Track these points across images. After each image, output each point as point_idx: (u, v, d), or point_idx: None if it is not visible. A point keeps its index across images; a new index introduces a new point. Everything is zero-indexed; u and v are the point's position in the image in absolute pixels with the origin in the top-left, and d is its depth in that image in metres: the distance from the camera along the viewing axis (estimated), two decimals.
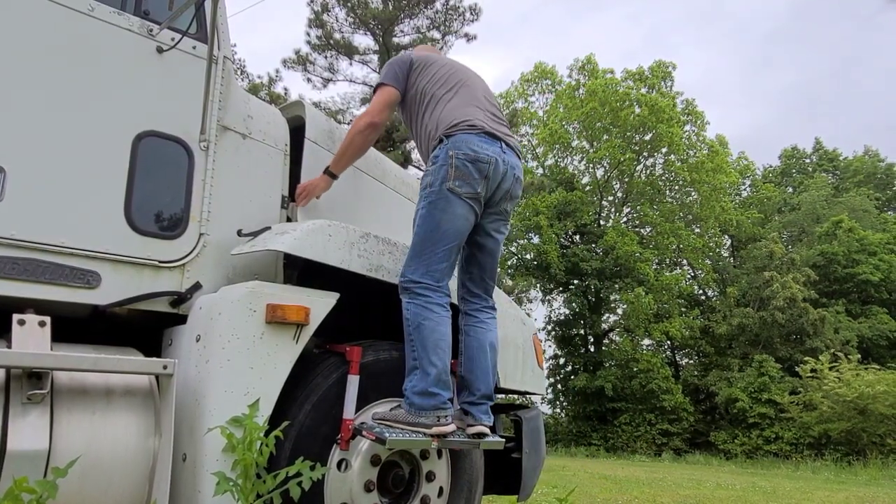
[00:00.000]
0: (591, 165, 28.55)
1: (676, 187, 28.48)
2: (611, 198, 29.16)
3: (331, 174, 2.63)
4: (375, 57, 17.96)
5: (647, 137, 26.28)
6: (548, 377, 26.25)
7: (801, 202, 30.60)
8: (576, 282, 26.51)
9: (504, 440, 2.52)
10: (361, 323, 2.83)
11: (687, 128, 27.36)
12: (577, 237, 27.94)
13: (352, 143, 2.60)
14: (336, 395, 2.28)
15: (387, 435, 2.14)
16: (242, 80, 17.30)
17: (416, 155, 15.17)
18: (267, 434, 1.98)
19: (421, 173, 3.07)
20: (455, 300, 2.60)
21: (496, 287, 2.74)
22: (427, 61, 2.73)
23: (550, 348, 27.81)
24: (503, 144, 2.51)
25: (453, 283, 2.61)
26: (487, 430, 2.42)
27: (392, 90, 2.66)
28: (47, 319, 1.91)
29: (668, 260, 29.06)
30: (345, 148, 2.61)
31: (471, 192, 2.39)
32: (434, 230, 2.38)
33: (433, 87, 2.64)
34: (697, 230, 28.55)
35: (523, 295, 24.18)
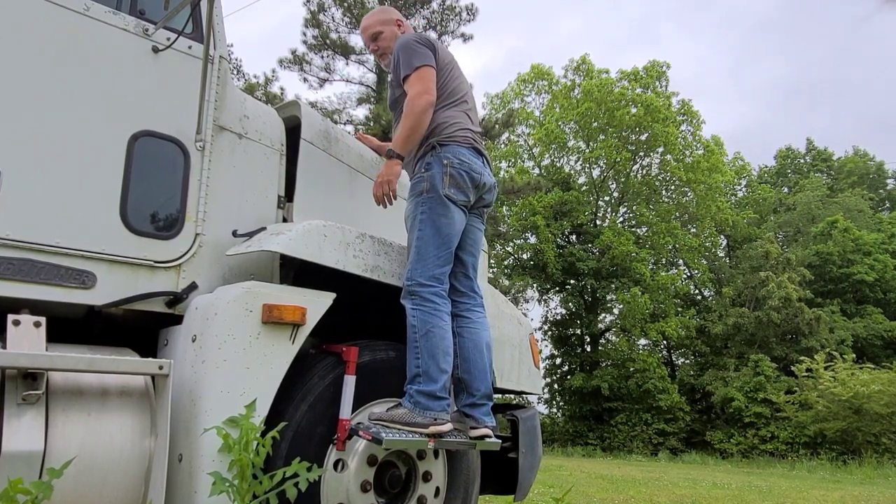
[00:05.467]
0: (587, 165, 28.58)
1: (672, 187, 28.53)
2: (607, 198, 29.20)
3: (399, 157, 2.54)
4: (371, 57, 17.95)
5: (643, 137, 26.32)
6: (544, 377, 26.26)
7: (797, 202, 30.69)
8: (572, 282, 26.54)
9: (501, 440, 2.52)
10: (358, 323, 2.83)
11: (683, 127, 27.41)
12: (574, 237, 27.97)
13: (419, 123, 2.50)
14: (332, 395, 2.28)
15: (383, 435, 2.15)
16: (238, 79, 17.27)
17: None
18: (263, 434, 1.98)
19: None
20: None
21: (494, 288, 2.74)
22: (449, 61, 2.72)
23: (547, 348, 27.86)
24: (484, 159, 2.66)
25: None
26: (491, 433, 2.42)
27: (435, 71, 2.60)
28: (42, 320, 1.91)
29: (664, 260, 29.10)
30: (412, 129, 2.49)
31: (464, 200, 2.52)
32: (436, 234, 2.43)
33: (445, 91, 2.64)
34: (693, 230, 28.61)
35: (520, 295, 24.17)
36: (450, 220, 2.47)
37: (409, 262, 2.47)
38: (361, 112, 18.11)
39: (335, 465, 2.26)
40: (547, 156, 29.24)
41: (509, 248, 27.56)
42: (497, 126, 17.72)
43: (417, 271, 2.40)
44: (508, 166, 28.42)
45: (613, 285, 25.45)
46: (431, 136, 2.56)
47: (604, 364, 25.07)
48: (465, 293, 2.63)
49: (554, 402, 27.33)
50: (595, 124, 26.87)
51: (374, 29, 2.89)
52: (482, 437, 2.40)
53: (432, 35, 2.81)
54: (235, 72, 17.55)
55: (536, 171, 28.73)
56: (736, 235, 29.98)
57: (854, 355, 19.42)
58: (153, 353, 2.33)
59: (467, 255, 2.66)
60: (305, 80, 17.81)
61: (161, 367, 1.94)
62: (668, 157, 27.05)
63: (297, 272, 2.54)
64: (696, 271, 29.35)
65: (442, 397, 2.30)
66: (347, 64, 17.98)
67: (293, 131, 2.73)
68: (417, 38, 2.65)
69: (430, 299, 2.38)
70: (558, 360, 27.61)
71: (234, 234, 2.43)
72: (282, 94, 17.06)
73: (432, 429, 2.23)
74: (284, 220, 2.64)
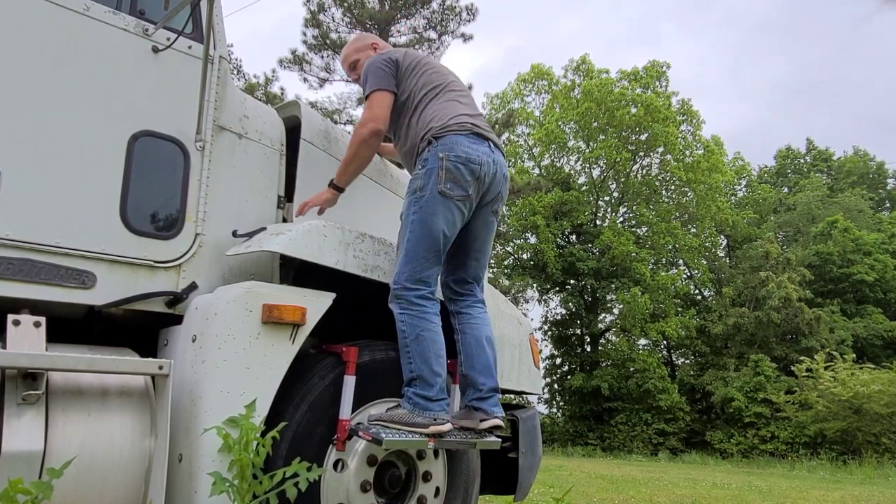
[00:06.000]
0: (587, 165, 28.59)
1: (672, 187, 28.54)
2: (607, 198, 29.21)
3: (336, 187, 2.57)
4: None
5: (643, 137, 26.33)
6: (544, 377, 26.23)
7: (797, 202, 30.70)
8: (572, 282, 26.54)
9: (501, 440, 2.51)
10: (359, 323, 2.83)
11: (683, 127, 27.42)
12: (574, 237, 27.98)
13: (357, 154, 2.52)
14: (332, 395, 2.28)
15: (383, 435, 2.14)
16: (239, 79, 17.29)
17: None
18: (263, 434, 1.98)
19: None
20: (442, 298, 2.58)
21: (494, 288, 2.72)
22: (416, 62, 2.65)
23: (547, 348, 27.85)
24: (490, 144, 2.50)
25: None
26: (501, 423, 2.38)
27: (389, 94, 2.56)
28: (42, 320, 1.91)
29: (664, 260, 29.11)
30: (350, 159, 2.54)
31: (462, 195, 2.38)
32: (426, 236, 2.35)
33: (423, 89, 2.57)
34: (693, 230, 28.62)
35: (520, 295, 24.19)
36: (441, 218, 2.35)
37: (396, 263, 2.41)
38: (361, 112, 18.11)
39: (335, 465, 2.26)
40: (547, 156, 29.25)
41: (509, 248, 27.57)
42: (497, 126, 17.73)
43: (404, 274, 2.34)
44: (508, 166, 28.36)
45: (613, 285, 25.46)
46: (425, 132, 2.47)
47: (604, 364, 25.07)
48: (465, 293, 2.57)
49: (554, 402, 27.34)
50: (595, 124, 26.87)
51: (351, 59, 2.90)
52: (493, 428, 2.36)
53: (397, 48, 2.68)
54: (235, 72, 17.56)
55: (536, 171, 28.74)
56: (736, 235, 29.99)
57: (854, 355, 19.41)
58: (153, 353, 2.33)
59: (472, 260, 2.56)
60: (305, 80, 17.82)
61: (161, 367, 1.94)
62: (668, 157, 27.06)
63: (297, 272, 2.54)
64: (696, 271, 29.36)
65: (440, 398, 2.29)
66: None
67: (293, 131, 2.73)
68: (378, 58, 2.61)
69: (416, 303, 2.32)
70: (558, 360, 27.61)
71: (234, 234, 2.43)
72: (282, 94, 17.10)
73: (432, 429, 2.23)
74: (284, 220, 2.64)
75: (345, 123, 17.42)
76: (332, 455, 2.25)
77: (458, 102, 2.57)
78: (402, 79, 2.60)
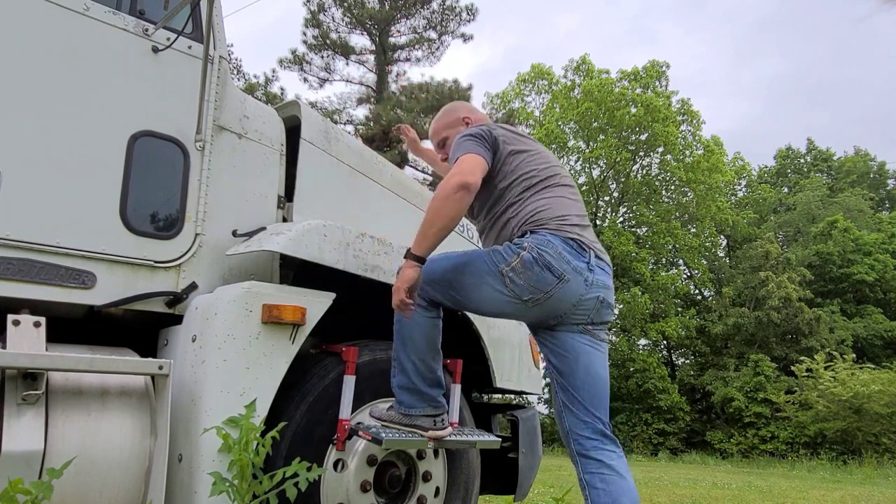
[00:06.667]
0: (587, 165, 28.60)
1: (672, 187, 28.56)
2: (607, 198, 29.22)
3: (416, 258, 2.03)
4: (372, 57, 17.98)
5: (643, 137, 26.35)
6: (544, 377, 26.18)
7: (797, 202, 30.73)
8: None
9: (501, 440, 2.51)
10: (359, 322, 2.83)
11: (683, 127, 27.45)
12: None
13: (440, 212, 1.99)
14: (332, 395, 2.28)
15: (383, 435, 2.14)
16: (239, 79, 17.29)
17: (412, 154, 15.13)
18: (263, 434, 1.98)
19: (417, 173, 3.04)
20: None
21: None
22: (518, 142, 2.29)
23: None
24: (592, 256, 2.10)
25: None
26: None
27: (483, 160, 2.13)
28: (42, 320, 1.91)
29: (664, 260, 29.13)
30: (431, 221, 2.00)
31: (512, 294, 2.05)
32: (454, 269, 2.14)
33: (527, 176, 2.22)
34: (693, 230, 28.63)
35: None
36: (479, 285, 2.09)
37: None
38: (361, 112, 18.14)
39: (335, 465, 2.26)
40: None
41: None
42: None
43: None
44: None
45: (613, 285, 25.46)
46: (521, 224, 2.15)
47: None
48: (590, 437, 2.08)
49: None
50: (595, 124, 26.89)
51: (440, 136, 2.59)
52: None
53: (495, 124, 2.41)
54: (235, 72, 17.57)
55: None
56: (736, 235, 30.00)
57: (854, 355, 19.45)
58: (153, 353, 2.33)
59: (577, 390, 2.10)
60: (305, 80, 17.88)
61: (161, 367, 1.94)
62: (668, 157, 27.08)
63: (297, 272, 2.54)
64: (696, 271, 29.36)
65: (420, 392, 2.18)
66: (347, 64, 18.02)
67: (293, 131, 2.73)
68: (471, 130, 2.25)
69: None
70: None
71: (234, 234, 2.43)
72: (282, 94, 17.12)
73: (432, 433, 2.21)
74: (284, 220, 2.64)
75: (345, 124, 17.43)
76: (331, 455, 2.25)
77: (567, 199, 2.22)
78: (499, 160, 2.24)
